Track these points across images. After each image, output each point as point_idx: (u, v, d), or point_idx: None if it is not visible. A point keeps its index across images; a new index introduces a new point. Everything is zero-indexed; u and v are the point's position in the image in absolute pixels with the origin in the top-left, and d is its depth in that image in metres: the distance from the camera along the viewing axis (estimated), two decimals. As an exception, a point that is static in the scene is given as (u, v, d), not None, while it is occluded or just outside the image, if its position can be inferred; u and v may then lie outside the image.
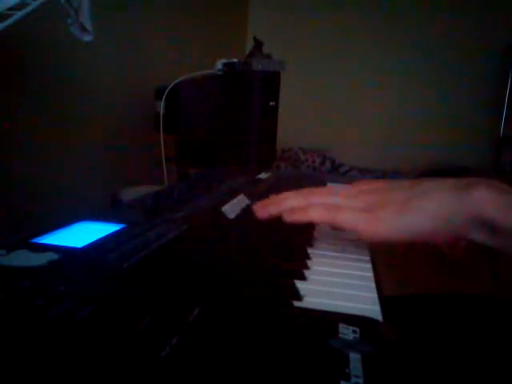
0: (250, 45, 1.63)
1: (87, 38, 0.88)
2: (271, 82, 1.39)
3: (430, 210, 0.37)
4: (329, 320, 0.26)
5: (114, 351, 0.21)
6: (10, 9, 0.69)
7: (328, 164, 2.84)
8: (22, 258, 0.32)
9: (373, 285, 0.34)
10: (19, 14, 0.71)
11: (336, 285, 0.33)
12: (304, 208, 0.42)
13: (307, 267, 0.36)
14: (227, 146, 1.47)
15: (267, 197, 0.46)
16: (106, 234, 0.39)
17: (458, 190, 0.37)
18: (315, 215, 0.40)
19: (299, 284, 0.32)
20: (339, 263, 0.39)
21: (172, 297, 0.27)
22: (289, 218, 0.41)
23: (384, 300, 0.31)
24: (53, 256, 0.32)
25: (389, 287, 0.39)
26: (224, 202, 0.54)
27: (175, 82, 1.51)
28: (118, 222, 0.43)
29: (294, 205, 0.43)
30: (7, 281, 0.28)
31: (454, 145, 2.87)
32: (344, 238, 0.46)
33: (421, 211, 0.37)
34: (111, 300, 0.26)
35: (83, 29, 0.86)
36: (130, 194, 1.28)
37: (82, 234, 0.39)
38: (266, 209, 0.44)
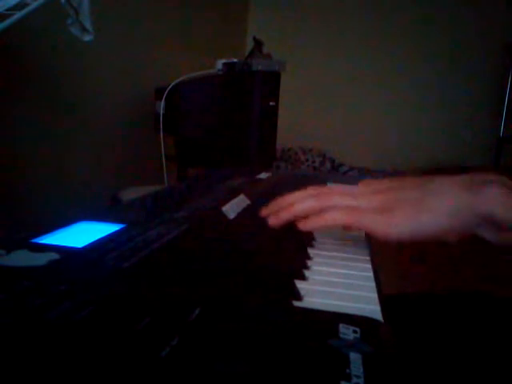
0: (250, 45, 1.63)
1: (87, 37, 0.88)
2: (271, 82, 1.39)
3: (445, 208, 0.37)
4: (329, 320, 0.26)
5: (114, 351, 0.20)
6: (10, 9, 0.69)
7: (328, 164, 2.84)
8: (22, 258, 0.32)
9: (373, 285, 0.34)
10: (19, 14, 0.71)
11: (336, 285, 0.33)
12: (318, 212, 0.41)
13: (307, 267, 0.36)
14: (227, 146, 1.47)
15: (267, 197, 0.46)
16: (106, 234, 0.39)
17: (470, 188, 0.37)
18: (332, 219, 0.40)
19: (299, 284, 0.32)
20: (339, 263, 0.39)
21: (172, 297, 0.27)
22: (305, 226, 0.41)
23: (384, 299, 0.31)
24: (53, 256, 0.32)
25: (389, 287, 0.39)
26: (224, 202, 0.54)
27: (175, 81, 1.51)
28: (118, 221, 0.43)
29: (306, 208, 0.42)
30: (7, 281, 0.28)
31: (454, 145, 2.87)
32: (344, 238, 0.46)
33: (436, 210, 0.37)
34: (111, 300, 0.26)
35: (83, 29, 0.86)
36: (129, 194, 1.28)
37: (82, 234, 0.39)
38: (277, 215, 0.43)
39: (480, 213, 0.36)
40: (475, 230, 0.38)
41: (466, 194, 0.37)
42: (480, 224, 0.37)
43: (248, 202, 0.58)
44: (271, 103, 1.39)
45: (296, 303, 0.29)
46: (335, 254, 0.41)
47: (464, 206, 0.37)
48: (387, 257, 0.40)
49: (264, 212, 0.45)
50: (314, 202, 0.42)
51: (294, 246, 0.42)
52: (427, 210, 0.38)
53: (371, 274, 0.37)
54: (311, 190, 0.44)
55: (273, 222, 0.43)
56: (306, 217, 0.42)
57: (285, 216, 0.43)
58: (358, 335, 0.24)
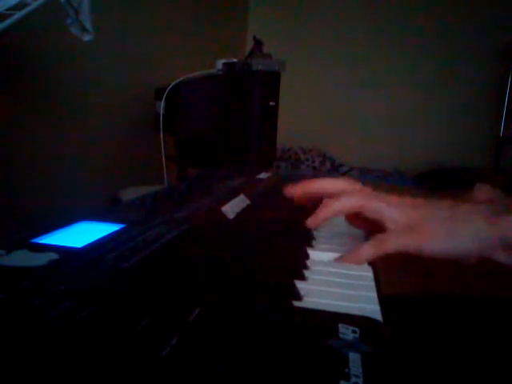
0: (250, 45, 1.63)
1: (87, 37, 0.89)
2: (271, 82, 1.39)
3: (472, 233, 0.39)
4: (329, 320, 0.26)
5: (114, 351, 0.21)
6: (10, 9, 0.69)
7: (328, 164, 2.84)
8: (22, 258, 0.32)
9: (372, 285, 0.34)
10: (19, 14, 0.71)
11: (336, 285, 0.33)
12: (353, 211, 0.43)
13: (307, 267, 0.36)
14: (227, 146, 1.47)
15: (267, 197, 0.46)
16: (106, 233, 0.39)
17: (491, 216, 0.39)
18: (367, 253, 0.40)
19: (299, 284, 0.32)
20: (339, 263, 0.39)
21: (172, 297, 0.27)
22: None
23: (384, 300, 0.31)
24: (53, 256, 0.32)
25: (388, 287, 0.39)
26: (224, 202, 0.54)
27: (175, 81, 1.51)
28: (118, 221, 0.43)
29: (348, 205, 0.43)
30: (7, 281, 0.28)
31: (454, 145, 2.87)
32: (344, 238, 0.46)
33: (465, 234, 0.39)
34: (111, 300, 0.26)
35: (83, 29, 0.86)
36: (129, 194, 1.28)
37: (81, 234, 0.40)
38: (300, 187, 0.45)
39: (499, 240, 0.39)
40: (492, 256, 0.40)
41: (488, 221, 0.39)
42: (498, 250, 0.39)
43: (248, 202, 0.58)
44: (271, 103, 1.38)
45: (296, 303, 0.29)
46: (335, 254, 0.41)
47: (485, 232, 0.39)
48: (387, 257, 0.39)
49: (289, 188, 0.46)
50: (356, 201, 0.43)
51: (294, 246, 0.42)
52: (457, 232, 0.39)
53: (371, 274, 0.37)
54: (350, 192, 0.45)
55: (289, 191, 0.45)
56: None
57: (307, 189, 0.45)
58: (357, 335, 0.24)
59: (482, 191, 0.45)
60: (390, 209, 0.41)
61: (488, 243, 0.39)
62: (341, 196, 0.43)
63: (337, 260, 0.40)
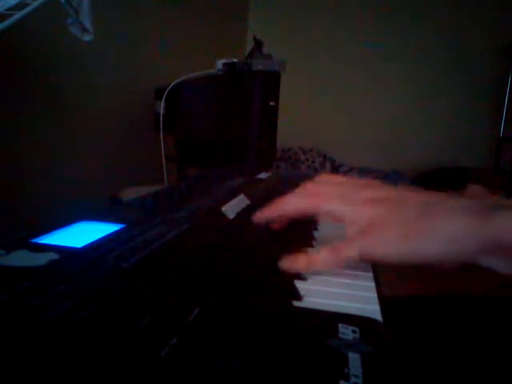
0: (250, 45, 1.63)
1: (87, 37, 0.89)
2: (271, 82, 1.39)
3: (442, 235, 0.34)
4: (329, 320, 0.26)
5: (113, 351, 0.21)
6: (10, 9, 0.69)
7: (328, 164, 2.84)
8: (22, 258, 0.32)
9: (373, 285, 0.34)
10: (19, 14, 0.71)
11: (335, 285, 0.33)
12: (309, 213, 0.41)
13: (307, 267, 0.36)
14: (227, 146, 1.47)
15: (267, 197, 0.45)
16: (106, 233, 0.39)
17: (475, 215, 0.33)
18: (320, 264, 0.37)
19: (299, 284, 0.32)
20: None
21: (171, 297, 0.27)
22: (292, 267, 0.37)
23: (384, 301, 0.31)
24: (53, 256, 0.32)
25: (388, 288, 0.39)
26: (224, 202, 0.54)
27: (175, 82, 1.51)
28: (118, 221, 0.43)
29: (298, 208, 0.41)
30: (7, 281, 0.28)
31: (454, 145, 2.87)
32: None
33: (432, 235, 0.34)
34: (111, 300, 0.26)
35: (83, 29, 0.86)
36: (130, 194, 1.28)
37: (82, 234, 0.39)
38: (265, 212, 0.42)
39: (486, 242, 0.33)
40: (476, 259, 0.34)
41: (470, 221, 0.33)
42: (483, 254, 0.34)
43: (248, 202, 0.58)
44: (271, 103, 1.38)
45: (296, 303, 0.29)
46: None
47: (466, 233, 0.33)
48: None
49: (259, 213, 0.43)
50: (306, 203, 0.41)
51: (294, 246, 0.42)
52: (421, 234, 0.34)
53: (371, 274, 0.37)
54: (305, 188, 0.43)
55: (258, 219, 0.43)
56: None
57: (272, 213, 0.42)
58: (357, 335, 0.24)
59: (474, 192, 0.41)
60: (346, 210, 0.38)
61: (468, 244, 0.33)
62: (291, 197, 0.41)
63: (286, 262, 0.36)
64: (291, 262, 0.36)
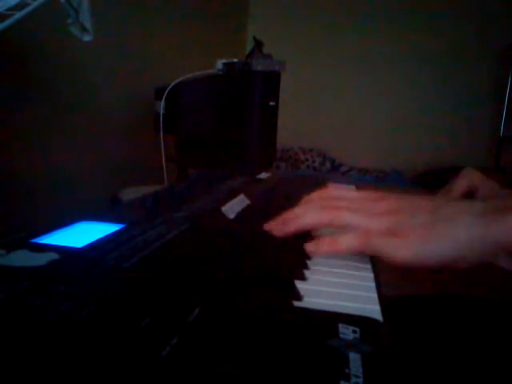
0: (250, 45, 1.63)
1: (87, 37, 0.89)
2: (271, 82, 1.39)
3: (456, 236, 0.35)
4: (329, 320, 0.26)
5: (114, 351, 0.21)
6: (10, 9, 0.69)
7: (328, 164, 2.84)
8: (22, 258, 0.32)
9: (373, 285, 0.34)
10: (19, 14, 0.71)
11: (336, 285, 0.33)
12: (325, 226, 0.41)
13: (307, 267, 0.36)
14: (227, 146, 1.47)
15: (267, 197, 0.45)
16: (105, 233, 0.39)
17: (485, 216, 0.35)
18: (346, 247, 0.38)
19: (299, 284, 0.32)
20: (339, 263, 0.39)
21: (172, 297, 0.27)
22: (317, 251, 0.39)
23: (384, 301, 0.31)
24: (53, 256, 0.32)
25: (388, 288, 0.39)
26: (224, 202, 0.54)
27: (175, 82, 1.50)
28: (118, 221, 0.43)
29: (313, 222, 0.41)
30: (7, 281, 0.28)
31: (454, 145, 2.87)
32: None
33: (446, 237, 0.36)
34: (111, 300, 0.26)
35: (83, 29, 0.86)
36: (130, 194, 1.28)
37: (82, 234, 0.39)
38: (282, 228, 0.42)
39: (498, 243, 0.34)
40: (490, 259, 0.36)
41: (482, 223, 0.35)
42: (498, 254, 0.35)
43: (248, 201, 0.58)
44: (271, 103, 1.38)
45: (296, 303, 0.29)
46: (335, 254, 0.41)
47: (477, 234, 0.35)
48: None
49: (269, 225, 0.43)
50: (323, 216, 0.41)
51: (294, 246, 0.42)
52: (436, 237, 0.36)
53: (371, 274, 0.37)
54: (317, 200, 0.43)
55: (277, 234, 0.42)
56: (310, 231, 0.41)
57: (290, 229, 0.42)
58: (357, 335, 0.24)
59: (466, 179, 0.42)
60: (365, 221, 0.39)
61: (480, 245, 0.35)
62: (305, 211, 0.42)
63: (316, 247, 0.39)
64: (316, 245, 0.39)
